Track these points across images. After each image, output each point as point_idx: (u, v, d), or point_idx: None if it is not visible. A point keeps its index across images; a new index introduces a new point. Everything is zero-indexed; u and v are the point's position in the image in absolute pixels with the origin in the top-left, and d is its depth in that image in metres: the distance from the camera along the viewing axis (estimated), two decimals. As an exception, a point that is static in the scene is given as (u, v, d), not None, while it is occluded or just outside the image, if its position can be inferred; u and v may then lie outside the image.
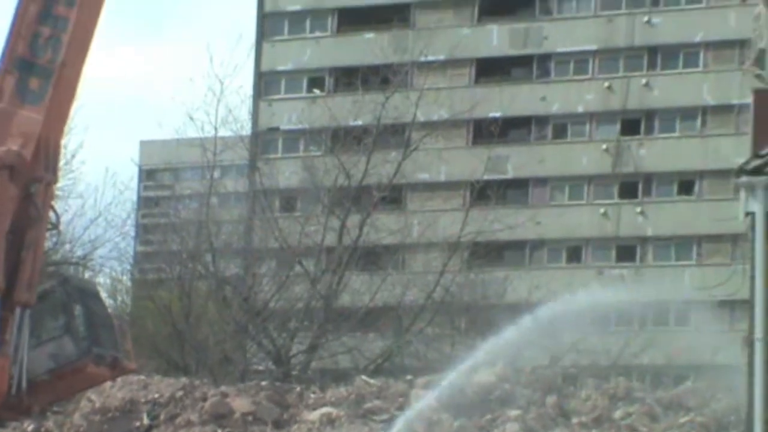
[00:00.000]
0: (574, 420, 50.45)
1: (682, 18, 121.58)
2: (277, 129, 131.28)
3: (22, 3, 50.27)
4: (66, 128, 52.85)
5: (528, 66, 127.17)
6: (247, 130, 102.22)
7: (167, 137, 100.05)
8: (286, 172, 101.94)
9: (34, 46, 49.86)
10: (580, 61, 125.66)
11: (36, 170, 50.19)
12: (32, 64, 50.16)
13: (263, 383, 59.95)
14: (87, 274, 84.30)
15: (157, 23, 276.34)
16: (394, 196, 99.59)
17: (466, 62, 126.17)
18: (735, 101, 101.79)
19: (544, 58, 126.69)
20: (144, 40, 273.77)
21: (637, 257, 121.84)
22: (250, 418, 51.62)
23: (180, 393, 51.90)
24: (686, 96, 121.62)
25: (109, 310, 61.99)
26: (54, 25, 49.67)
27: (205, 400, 52.44)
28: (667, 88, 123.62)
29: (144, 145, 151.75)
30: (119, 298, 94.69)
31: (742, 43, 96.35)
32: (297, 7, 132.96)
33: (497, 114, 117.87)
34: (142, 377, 54.19)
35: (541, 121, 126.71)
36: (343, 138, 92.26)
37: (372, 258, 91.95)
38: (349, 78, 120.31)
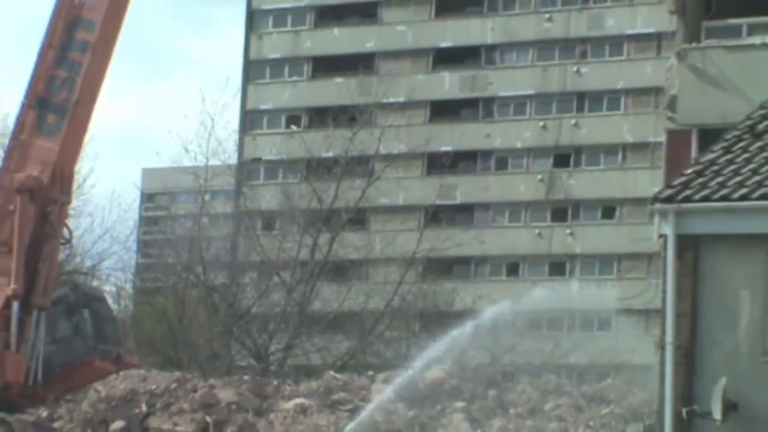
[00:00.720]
0: (512, 411, 50.58)
1: (606, 68, 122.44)
2: (259, 159, 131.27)
3: (43, 48, 50.21)
4: (79, 157, 52.80)
5: (475, 107, 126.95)
6: (233, 159, 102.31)
7: (165, 165, 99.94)
8: (267, 196, 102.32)
9: (52, 87, 50.02)
10: (519, 104, 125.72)
11: (52, 193, 50.31)
12: (50, 102, 50.25)
13: (245, 377, 60.00)
14: (95, 283, 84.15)
15: (158, 68, 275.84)
16: (359, 218, 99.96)
17: (422, 104, 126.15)
18: (651, 139, 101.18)
19: (489, 101, 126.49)
20: (147, 82, 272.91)
21: (567, 272, 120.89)
22: (234, 407, 51.48)
23: (174, 385, 51.74)
24: (609, 135, 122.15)
25: (114, 313, 61.94)
26: (69, 68, 49.78)
27: (195, 391, 52.25)
28: (593, 128, 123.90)
29: (146, 172, 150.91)
30: (123, 303, 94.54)
31: (657, 90, 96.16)
32: (277, 55, 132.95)
33: (449, 148, 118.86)
34: (142, 371, 54.02)
35: (486, 154, 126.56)
36: (316, 168, 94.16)
37: (340, 270, 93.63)
38: (321, 116, 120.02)
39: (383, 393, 46.59)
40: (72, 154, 51.28)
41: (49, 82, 50.54)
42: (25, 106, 51.02)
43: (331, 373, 58.11)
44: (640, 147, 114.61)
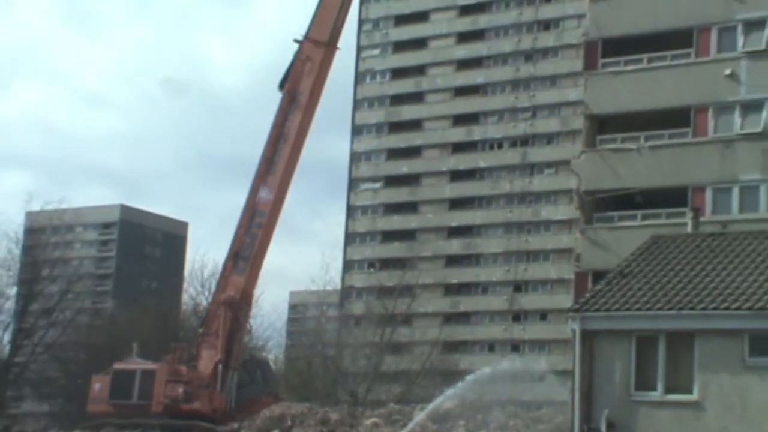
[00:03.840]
0: (491, 426, 49.58)
1: (545, 237, 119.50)
2: (352, 287, 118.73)
3: (237, 228, 50.60)
4: (256, 284, 53.14)
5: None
6: (338, 285, 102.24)
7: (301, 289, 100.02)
8: (356, 309, 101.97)
9: (242, 247, 50.39)
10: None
11: (241, 305, 50.54)
12: (240, 255, 50.73)
13: (345, 406, 59.28)
14: (263, 353, 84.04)
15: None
16: (406, 320, 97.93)
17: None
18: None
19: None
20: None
21: (521, 351, 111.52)
22: (338, 423, 51.09)
23: (305, 410, 51.54)
24: (558, 272, 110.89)
25: (273, 371, 61.97)
26: (252, 238, 50.25)
27: (316, 414, 51.95)
28: (541, 268, 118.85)
29: (293, 294, 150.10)
30: (277, 365, 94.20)
31: (572, 250, 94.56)
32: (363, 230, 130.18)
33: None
34: (287, 402, 53.90)
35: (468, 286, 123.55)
36: (383, 293, 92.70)
37: (397, 346, 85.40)
38: (386, 265, 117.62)
39: (420, 416, 46.23)
40: (252, 283, 51.68)
41: (240, 245, 51.16)
42: (229, 258, 51.65)
43: (392, 404, 57.59)
44: (566, 281, 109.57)
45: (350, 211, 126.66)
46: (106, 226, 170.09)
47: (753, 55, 44.93)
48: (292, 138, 45.27)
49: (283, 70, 46.52)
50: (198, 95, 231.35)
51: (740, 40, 45.43)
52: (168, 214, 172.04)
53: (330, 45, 43.92)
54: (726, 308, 24.58)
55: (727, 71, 45.15)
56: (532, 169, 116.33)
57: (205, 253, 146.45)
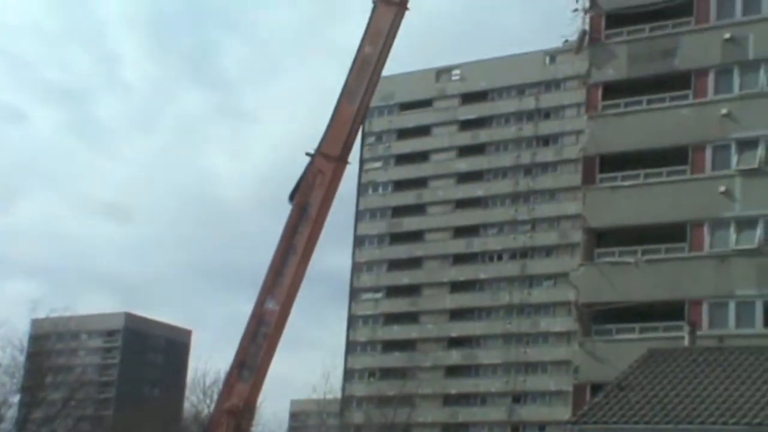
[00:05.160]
0: None
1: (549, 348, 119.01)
2: (353, 396, 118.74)
3: (243, 339, 50.50)
4: (259, 393, 52.75)
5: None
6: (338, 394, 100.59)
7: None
8: (356, 418, 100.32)
9: (247, 358, 50.24)
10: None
11: (245, 414, 50.25)
12: (245, 364, 50.53)
13: None
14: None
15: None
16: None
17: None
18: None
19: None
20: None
21: None
22: None
23: None
24: (556, 384, 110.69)
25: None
26: (256, 349, 50.01)
27: None
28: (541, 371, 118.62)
29: (293, 403, 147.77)
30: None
31: (571, 362, 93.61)
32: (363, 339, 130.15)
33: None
34: None
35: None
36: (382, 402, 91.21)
37: None
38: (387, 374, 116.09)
39: None
40: (256, 393, 51.28)
41: (245, 354, 51.02)
42: (233, 367, 51.47)
43: None
44: (564, 393, 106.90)
45: (351, 320, 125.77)
46: (110, 333, 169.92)
47: (747, 172, 45.56)
48: (301, 250, 45.32)
49: (290, 182, 46.90)
50: (202, 205, 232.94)
51: (734, 158, 46.15)
52: (172, 322, 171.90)
53: (341, 160, 44.56)
54: (724, 423, 24.72)
55: (722, 188, 45.77)
56: (531, 281, 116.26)
57: (208, 361, 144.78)
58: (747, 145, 45.96)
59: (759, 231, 44.85)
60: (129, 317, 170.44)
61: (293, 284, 48.02)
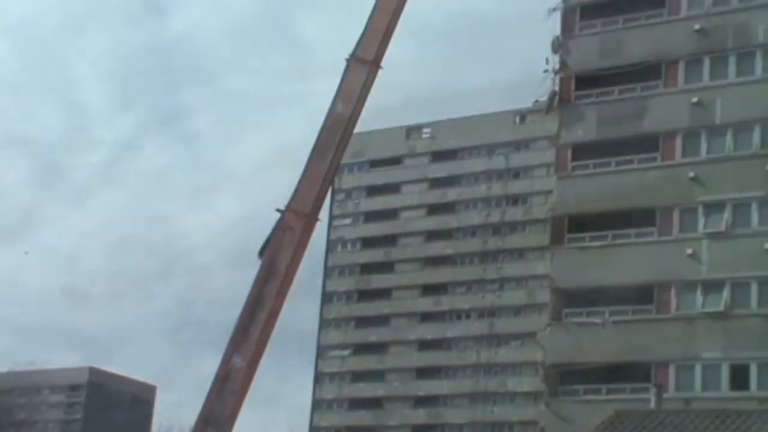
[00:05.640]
0: None
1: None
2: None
3: (212, 390, 49.54)
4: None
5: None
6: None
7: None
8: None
9: (213, 414, 49.12)
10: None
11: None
12: (210, 422, 49.61)
13: None
14: None
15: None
16: None
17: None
18: None
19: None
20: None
21: None
22: None
23: None
24: None
25: None
26: (223, 406, 49.03)
27: None
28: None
29: None
30: None
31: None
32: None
33: None
34: None
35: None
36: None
37: None
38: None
39: None
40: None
41: (210, 412, 50.13)
42: (198, 424, 50.49)
43: None
44: None
45: (318, 377, 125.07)
46: (74, 388, 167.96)
47: (714, 235, 45.92)
48: (269, 306, 45.12)
49: (260, 238, 46.78)
50: (169, 260, 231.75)
51: (702, 221, 46.51)
52: (136, 377, 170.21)
53: (311, 216, 44.55)
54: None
55: (689, 251, 46.07)
56: (499, 340, 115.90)
57: (172, 418, 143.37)
58: (714, 208, 46.34)
59: (725, 294, 45.08)
60: (93, 372, 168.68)
61: (261, 340, 47.51)
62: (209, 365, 50.04)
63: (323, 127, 41.81)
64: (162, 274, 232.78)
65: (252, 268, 46.80)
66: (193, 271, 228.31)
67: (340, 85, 37.06)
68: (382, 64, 35.85)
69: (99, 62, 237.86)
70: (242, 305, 47.31)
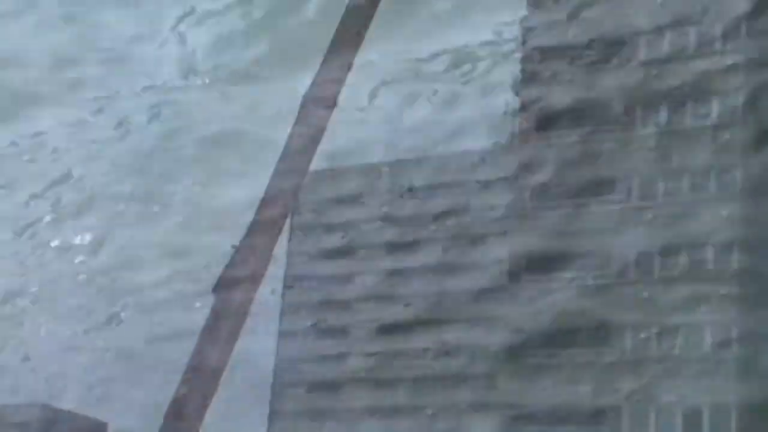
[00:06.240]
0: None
1: None
2: None
3: (164, 427, 48.05)
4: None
5: None
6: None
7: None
8: None
9: None
10: None
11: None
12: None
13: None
14: None
15: None
16: None
17: None
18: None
19: None
20: None
21: None
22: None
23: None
24: None
25: None
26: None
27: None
28: None
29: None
30: None
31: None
32: None
33: None
34: None
35: None
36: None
37: None
38: None
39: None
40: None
41: None
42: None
43: None
44: None
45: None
46: (24, 426, 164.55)
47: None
48: (223, 341, 44.78)
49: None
50: (123, 291, 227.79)
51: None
52: (88, 413, 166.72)
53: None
54: None
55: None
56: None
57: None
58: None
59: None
60: (45, 409, 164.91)
61: (214, 376, 46.64)
62: (163, 400, 48.90)
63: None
64: (113, 304, 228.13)
65: (207, 303, 46.50)
66: (143, 302, 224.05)
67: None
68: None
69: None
70: (196, 340, 46.65)
